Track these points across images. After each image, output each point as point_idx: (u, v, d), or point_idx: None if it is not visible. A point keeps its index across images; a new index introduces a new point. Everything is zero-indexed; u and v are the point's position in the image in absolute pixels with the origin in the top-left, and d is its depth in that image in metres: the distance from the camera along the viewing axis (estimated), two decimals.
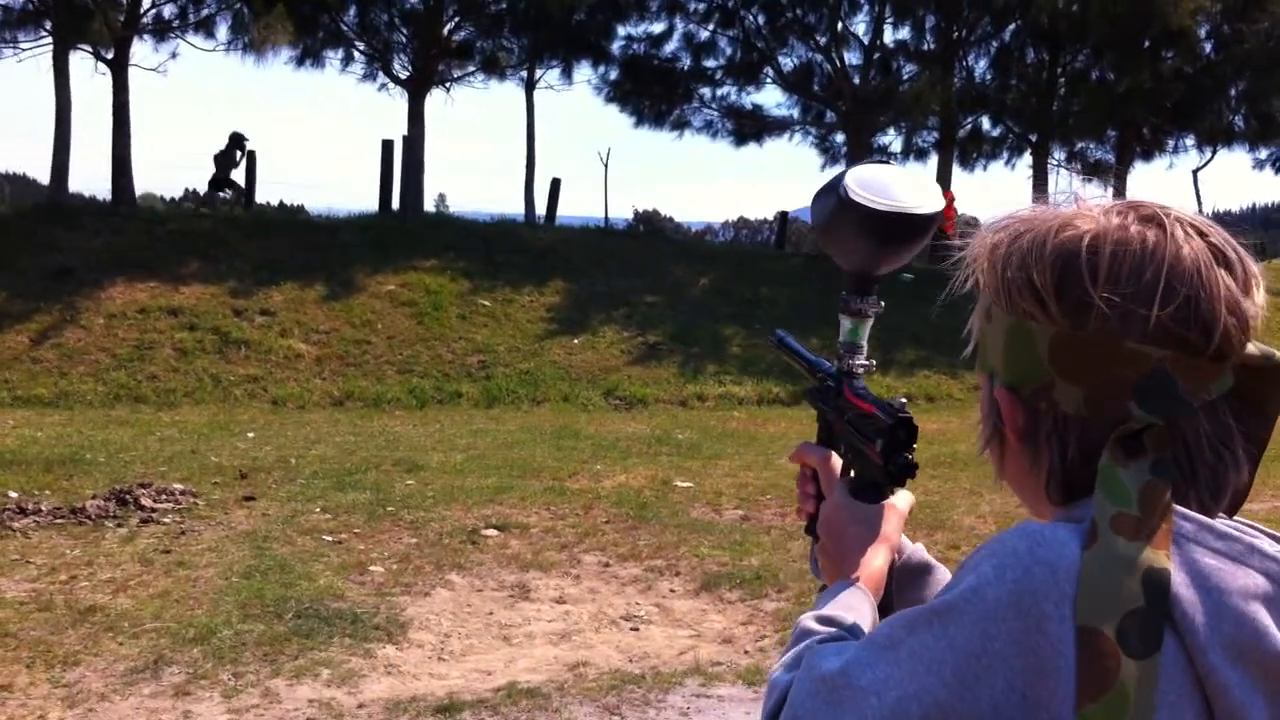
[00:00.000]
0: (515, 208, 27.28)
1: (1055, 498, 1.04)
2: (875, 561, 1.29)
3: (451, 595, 6.69)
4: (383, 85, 25.37)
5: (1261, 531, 1.00)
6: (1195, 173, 31.60)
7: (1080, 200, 1.06)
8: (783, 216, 29.45)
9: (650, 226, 40.17)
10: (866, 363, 1.46)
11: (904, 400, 1.35)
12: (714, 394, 16.35)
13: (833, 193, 1.38)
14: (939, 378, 17.88)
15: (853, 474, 1.39)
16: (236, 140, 23.02)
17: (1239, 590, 0.94)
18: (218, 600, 6.31)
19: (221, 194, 23.15)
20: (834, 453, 1.45)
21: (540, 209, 26.23)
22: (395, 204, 23.52)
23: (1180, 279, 0.97)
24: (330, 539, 7.62)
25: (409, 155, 23.88)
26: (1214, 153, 31.03)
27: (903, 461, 1.31)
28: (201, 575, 6.78)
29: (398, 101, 25.28)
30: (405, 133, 24.13)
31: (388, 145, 23.58)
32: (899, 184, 1.36)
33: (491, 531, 7.97)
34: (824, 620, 1.19)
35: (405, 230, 20.35)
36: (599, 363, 16.84)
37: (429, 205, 26.76)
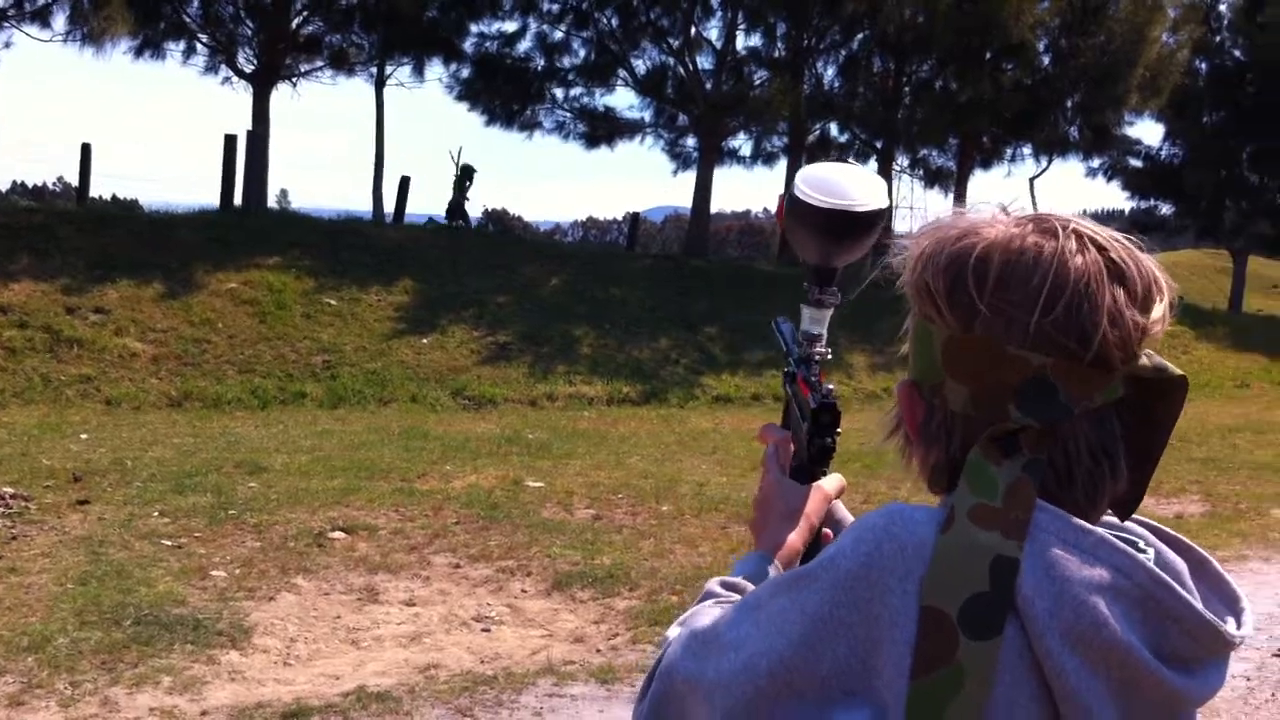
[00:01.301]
0: (363, 205, 26.88)
1: (939, 487, 1.09)
2: (789, 536, 1.36)
3: (297, 599, 6.53)
4: (226, 79, 24.71)
5: (1158, 534, 1.05)
6: (1032, 181, 32.71)
7: (1001, 210, 1.09)
8: (634, 217, 29.58)
9: (500, 226, 39.96)
10: (823, 350, 1.54)
11: (831, 387, 1.43)
12: (564, 394, 16.32)
13: (788, 191, 1.48)
14: None
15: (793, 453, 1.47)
16: (467, 172, 24.37)
17: (1081, 581, 0.96)
18: (53, 607, 6.05)
19: (457, 223, 24.17)
20: (789, 435, 1.52)
21: (389, 207, 25.87)
22: (238, 200, 22.91)
23: (1064, 289, 1.00)
24: (170, 543, 7.36)
25: (253, 151, 23.26)
26: (1050, 161, 32.18)
27: (820, 444, 1.39)
28: (35, 582, 6.49)
29: (242, 96, 24.62)
30: (249, 128, 23.53)
31: (230, 140, 22.93)
32: (847, 181, 1.44)
33: (338, 534, 7.81)
34: (727, 585, 1.27)
35: (248, 227, 19.82)
36: (448, 362, 16.66)
37: (271, 202, 26.09)
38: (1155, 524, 1.14)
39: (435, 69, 28.27)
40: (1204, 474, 11.97)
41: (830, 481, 1.43)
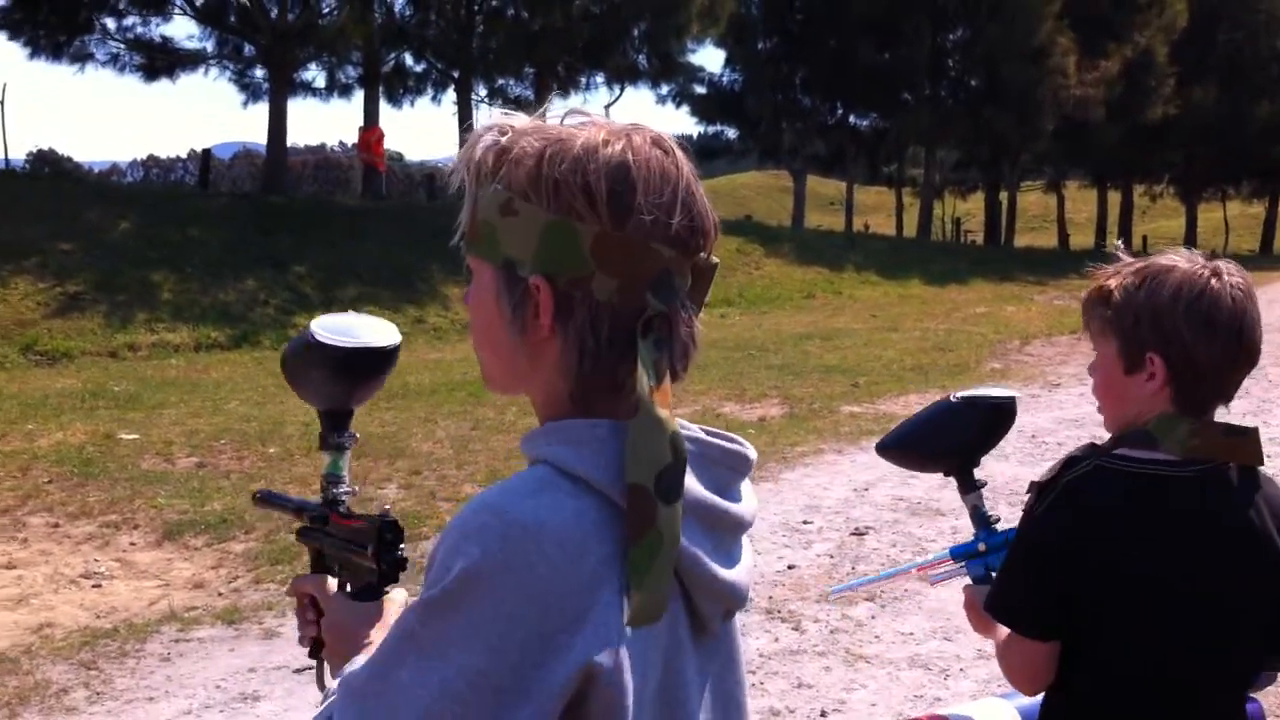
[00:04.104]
0: None
1: (572, 393, 1.19)
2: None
3: None
4: None
5: None
6: (607, 109, 33.77)
7: (587, 114, 1.23)
8: (205, 154, 28.26)
9: (54, 169, 37.11)
10: (349, 489, 1.62)
11: (388, 507, 1.52)
12: (147, 343, 15.56)
13: (300, 341, 1.58)
14: (383, 313, 17.95)
15: (348, 587, 1.54)
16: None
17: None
18: None
19: None
20: (329, 577, 1.58)
21: None
22: None
23: (689, 195, 1.19)
24: None
25: None
26: (623, 90, 33.42)
27: (393, 557, 1.47)
28: None
29: None
30: None
31: None
32: (359, 325, 1.57)
33: None
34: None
35: None
36: (13, 317, 15.48)
37: None
38: None
39: None
40: (781, 379, 13.02)
41: (398, 594, 1.50)
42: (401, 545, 1.48)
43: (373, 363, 1.57)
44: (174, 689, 4.74)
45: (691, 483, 1.17)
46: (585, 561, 1.07)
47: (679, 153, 1.21)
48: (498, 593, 1.04)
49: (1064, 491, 1.87)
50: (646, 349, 1.16)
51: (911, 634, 5.35)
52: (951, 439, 2.34)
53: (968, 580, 2.31)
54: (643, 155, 1.17)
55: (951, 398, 2.34)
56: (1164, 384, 1.85)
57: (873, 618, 5.57)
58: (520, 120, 1.23)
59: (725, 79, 42.36)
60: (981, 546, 2.30)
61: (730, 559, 1.22)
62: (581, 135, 1.19)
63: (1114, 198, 53.88)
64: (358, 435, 1.64)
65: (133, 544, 6.74)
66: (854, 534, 6.97)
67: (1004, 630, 1.99)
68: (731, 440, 1.25)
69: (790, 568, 6.29)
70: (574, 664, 1.04)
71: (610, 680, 1.07)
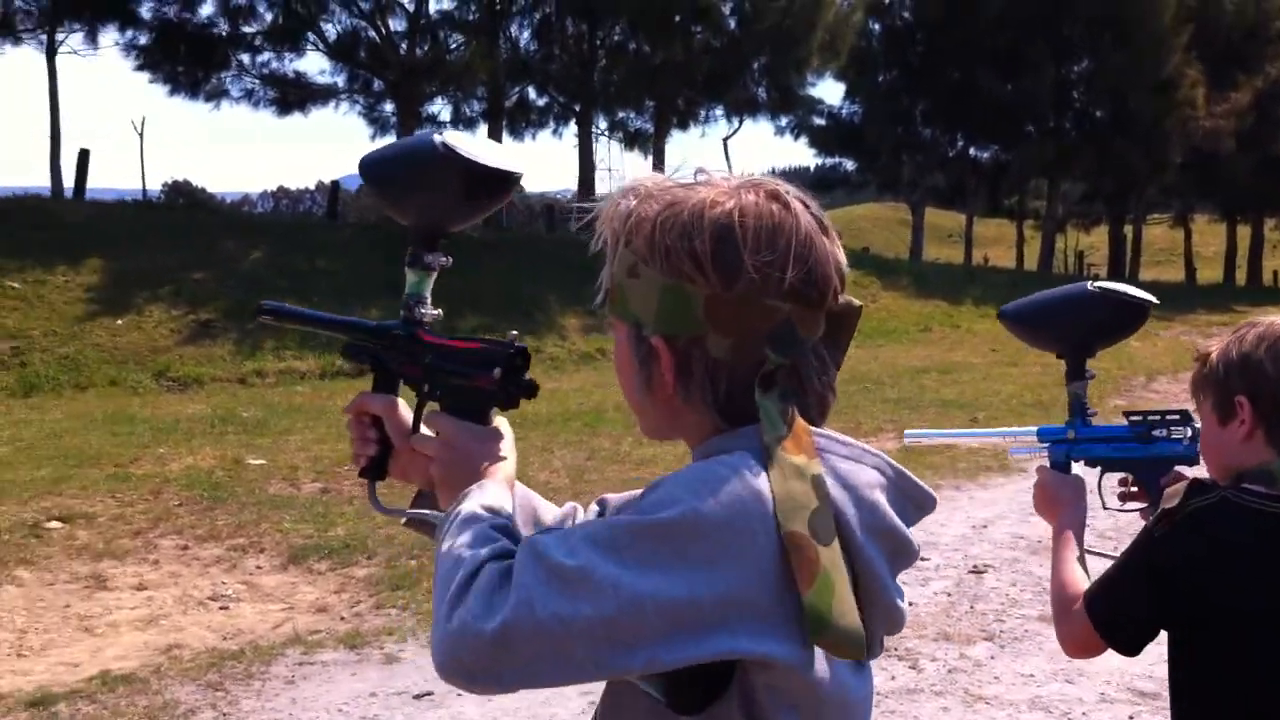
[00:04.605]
0: (33, 181, 25.27)
1: (719, 426, 1.24)
2: (508, 468, 1.41)
3: (21, 591, 6.29)
4: None
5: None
6: (725, 141, 33.98)
7: (707, 174, 1.27)
8: (334, 186, 28.98)
9: (188, 199, 38.34)
10: (435, 312, 1.55)
11: (515, 333, 1.50)
12: (275, 370, 15.97)
13: (416, 149, 1.47)
14: None
15: (438, 408, 1.47)
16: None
17: (866, 483, 1.23)
18: None
19: None
20: (397, 398, 1.54)
21: (69, 182, 24.45)
22: None
23: (804, 247, 1.21)
24: None
25: None
26: (741, 122, 33.54)
27: (528, 382, 1.45)
28: None
29: None
30: None
31: None
32: (487, 145, 1.48)
33: (55, 524, 7.52)
34: (488, 508, 1.26)
35: None
36: (147, 343, 16.02)
37: None
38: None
39: (111, 35, 26.81)
40: (897, 413, 12.90)
41: (502, 423, 1.47)
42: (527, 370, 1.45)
43: (496, 187, 1.49)
44: (298, 711, 4.84)
45: (886, 508, 1.22)
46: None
47: (798, 204, 1.24)
48: (714, 544, 1.09)
49: (1190, 518, 1.87)
50: (770, 401, 1.20)
51: (1032, 675, 5.25)
52: (1075, 322, 2.34)
53: (1045, 462, 2.35)
54: (751, 213, 1.21)
55: (1089, 284, 2.35)
56: (1253, 426, 1.88)
57: (992, 658, 5.48)
58: (651, 181, 1.27)
59: (845, 111, 42.22)
60: (1071, 434, 2.35)
61: (899, 588, 1.26)
62: (695, 197, 1.23)
63: (1243, 231, 52.40)
64: (450, 260, 1.55)
65: (259, 567, 6.92)
66: (972, 572, 6.87)
67: (1069, 551, 2.11)
68: (919, 481, 1.29)
69: (909, 605, 6.21)
70: (740, 649, 1.10)
71: (784, 680, 1.13)
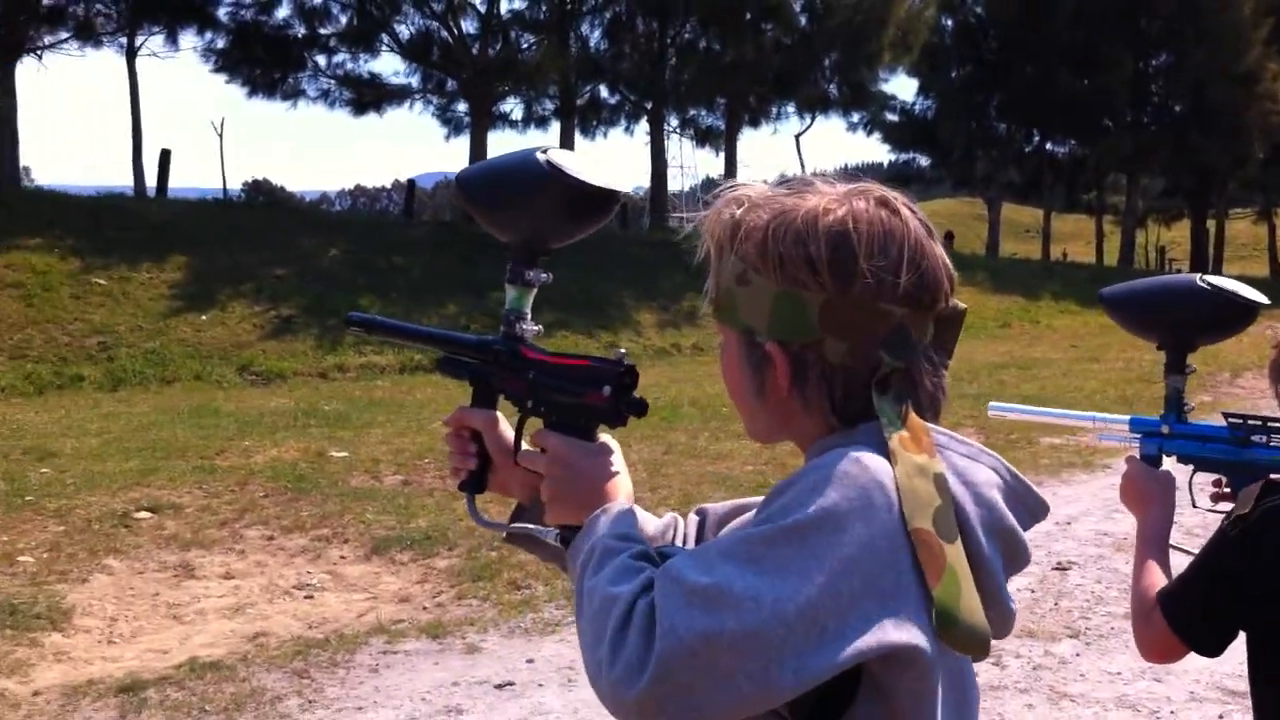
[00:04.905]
0: (117, 181, 25.78)
1: (833, 427, 1.24)
2: (624, 485, 1.38)
3: (112, 580, 6.42)
4: None
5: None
6: (797, 138, 33.90)
7: (811, 181, 1.28)
8: (409, 185, 29.26)
9: (268, 198, 38.88)
10: (536, 327, 1.52)
11: (623, 351, 1.44)
12: (355, 364, 16.17)
13: (520, 167, 1.45)
14: (577, 339, 18.39)
15: (543, 426, 1.43)
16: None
17: (984, 481, 1.22)
18: None
19: None
20: (498, 413, 1.52)
21: (151, 182, 24.92)
22: None
23: (915, 252, 1.22)
24: None
25: (0, 129, 22.10)
26: (813, 119, 33.37)
27: (638, 400, 1.40)
28: None
29: None
30: None
31: None
32: (588, 164, 1.44)
33: (144, 514, 7.66)
34: (621, 538, 1.24)
35: (2, 207, 18.85)
36: (231, 339, 16.30)
37: None
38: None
39: (190, 38, 27.28)
40: (976, 409, 12.73)
41: (611, 440, 1.43)
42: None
43: (600, 206, 1.47)
44: (381, 699, 4.90)
45: (1004, 511, 1.22)
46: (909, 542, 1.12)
47: (906, 210, 1.25)
48: (845, 537, 1.09)
49: (1264, 518, 1.85)
50: (886, 403, 1.21)
51: (1119, 673, 5.18)
52: (1180, 315, 2.28)
53: (1136, 452, 2.30)
54: (864, 219, 1.21)
55: (1198, 279, 2.27)
56: None
57: (1077, 655, 5.41)
58: (755, 190, 1.28)
59: (917, 107, 41.85)
60: (1165, 429, 2.29)
61: (1009, 591, 1.25)
62: (805, 205, 1.23)
63: None
64: (549, 276, 1.52)
65: (343, 557, 7.00)
66: (1056, 569, 6.79)
67: (1153, 551, 2.10)
68: (1033, 486, 1.28)
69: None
70: (888, 640, 1.08)
71: (923, 674, 1.12)
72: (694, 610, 1.07)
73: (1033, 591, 6.37)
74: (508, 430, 1.54)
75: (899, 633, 1.09)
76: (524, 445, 1.51)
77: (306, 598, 6.31)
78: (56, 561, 6.63)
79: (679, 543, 1.56)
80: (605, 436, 1.43)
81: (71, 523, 7.40)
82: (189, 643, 5.57)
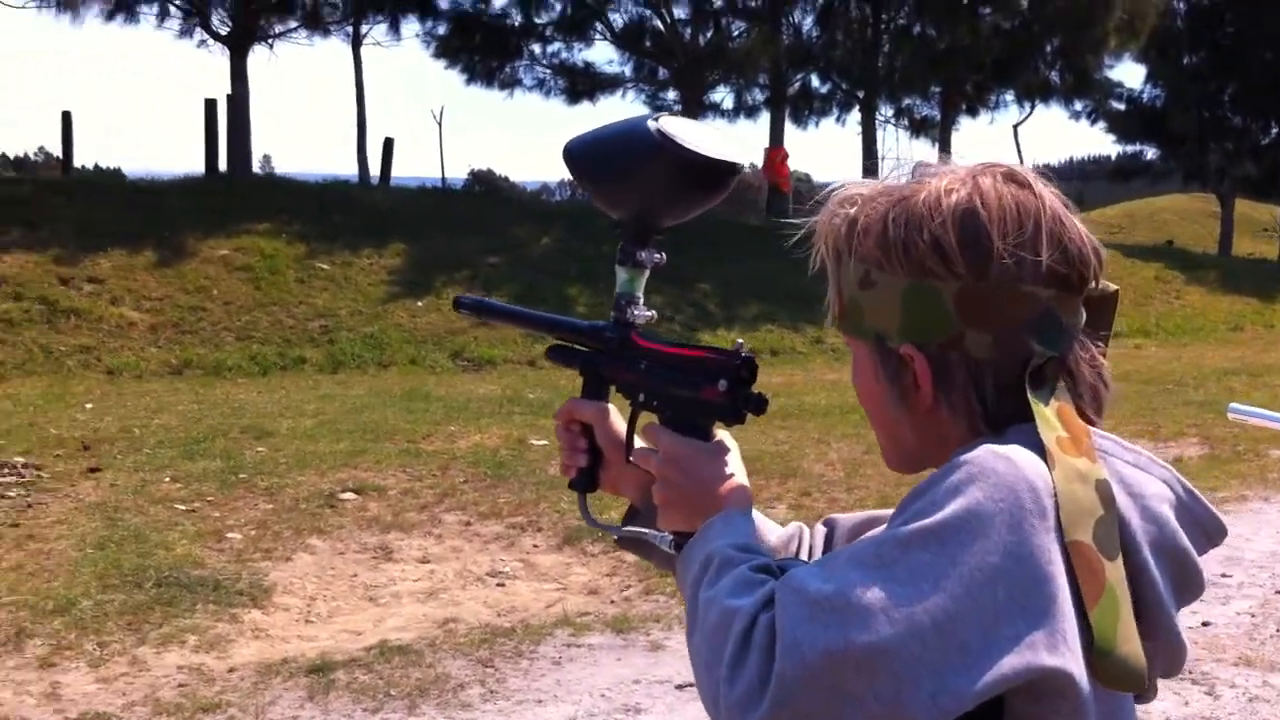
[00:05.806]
0: (346, 169, 26.79)
1: (982, 432, 1.12)
2: (743, 489, 1.29)
3: (313, 559, 6.66)
4: (202, 41, 24.51)
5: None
6: (1016, 127, 32.78)
7: (927, 165, 1.17)
8: None
9: (488, 186, 39.85)
10: (649, 313, 1.43)
11: (741, 342, 1.35)
12: None
13: (629, 135, 1.33)
14: (782, 331, 18.25)
15: (657, 420, 1.35)
16: None
17: (1154, 495, 1.09)
18: (74, 572, 6.17)
19: None
20: (611, 406, 1.44)
21: (374, 169, 25.81)
22: (222, 166, 22.85)
23: (1055, 226, 1.11)
24: (183, 508, 7.48)
25: (234, 115, 23.14)
26: (1033, 107, 32.23)
27: (756, 396, 1.30)
28: (54, 548, 6.60)
29: (219, 59, 24.32)
30: (229, 91, 23.38)
31: (211, 105, 22.85)
32: (708, 134, 1.33)
33: (349, 495, 7.93)
34: (741, 548, 1.16)
35: (234, 193, 19.79)
36: (444, 325, 16.72)
37: (255, 167, 26.00)
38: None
39: (411, 26, 28.10)
40: (1201, 417, 12.11)
41: (727, 437, 1.34)
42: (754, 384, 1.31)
43: (714, 180, 1.34)
44: (562, 694, 4.93)
45: (1176, 529, 1.09)
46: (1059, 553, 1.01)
47: (1039, 184, 1.13)
48: (990, 543, 0.98)
49: None
50: (1042, 398, 1.09)
51: None
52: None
53: None
54: (992, 196, 1.11)
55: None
56: None
57: None
58: (866, 187, 1.18)
59: (1146, 95, 39.96)
60: None
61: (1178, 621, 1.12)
62: (924, 189, 1.14)
63: None
64: (663, 256, 1.41)
65: (535, 546, 7.09)
66: (1278, 593, 6.38)
67: None
68: (1211, 506, 1.16)
69: (1205, 625, 5.81)
70: (1040, 663, 0.97)
71: (1076, 709, 1.00)
72: (816, 624, 0.98)
73: (1252, 616, 5.99)
74: (620, 423, 1.46)
75: (1053, 657, 0.96)
76: (637, 442, 1.42)
77: (498, 585, 6.41)
78: (263, 539, 6.91)
79: (804, 555, 1.46)
80: (722, 434, 1.33)
81: (280, 501, 7.71)
82: (382, 625, 5.72)
